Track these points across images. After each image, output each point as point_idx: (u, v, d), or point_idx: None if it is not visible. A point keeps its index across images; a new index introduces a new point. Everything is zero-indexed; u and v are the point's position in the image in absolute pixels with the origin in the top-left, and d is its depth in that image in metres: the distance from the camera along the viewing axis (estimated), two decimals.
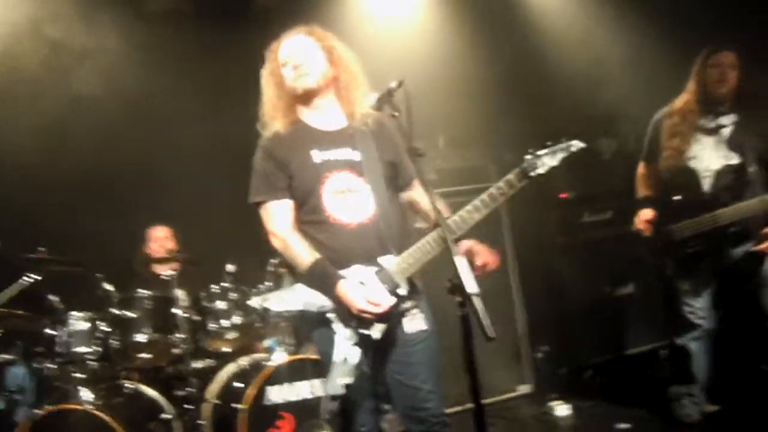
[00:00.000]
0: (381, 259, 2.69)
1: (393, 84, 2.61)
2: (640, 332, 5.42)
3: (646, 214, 4.07)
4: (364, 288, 2.62)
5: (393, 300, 2.64)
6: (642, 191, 4.20)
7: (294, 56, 2.77)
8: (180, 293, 4.48)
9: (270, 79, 2.83)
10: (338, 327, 2.67)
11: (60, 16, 4.97)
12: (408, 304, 2.74)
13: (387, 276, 2.67)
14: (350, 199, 2.72)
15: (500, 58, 5.59)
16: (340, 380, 2.61)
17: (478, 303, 2.23)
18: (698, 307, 3.97)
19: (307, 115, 2.85)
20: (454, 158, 5.31)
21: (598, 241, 5.46)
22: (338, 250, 2.69)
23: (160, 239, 5.14)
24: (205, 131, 5.22)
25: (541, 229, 5.51)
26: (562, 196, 5.53)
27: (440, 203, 2.65)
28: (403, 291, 2.68)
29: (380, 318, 2.62)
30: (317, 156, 2.75)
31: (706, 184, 3.85)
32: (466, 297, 2.26)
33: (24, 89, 4.96)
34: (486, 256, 2.71)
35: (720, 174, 3.82)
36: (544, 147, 2.67)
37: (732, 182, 3.77)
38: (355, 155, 2.77)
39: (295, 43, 2.80)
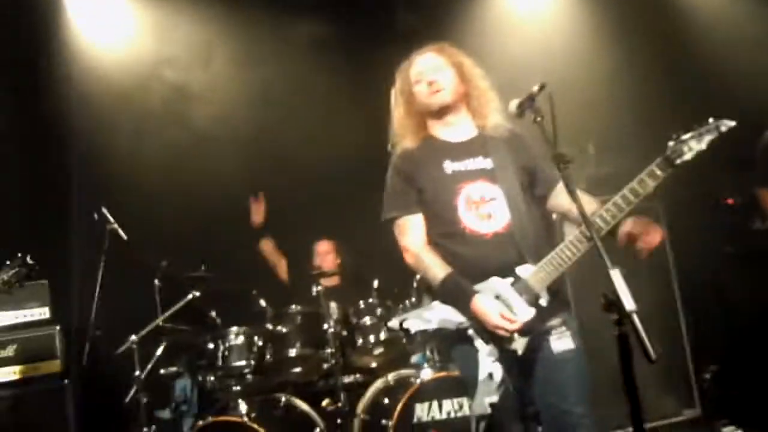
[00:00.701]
0: (519, 269, 2.59)
1: (535, 88, 2.49)
2: None
3: None
4: (499, 303, 2.54)
5: (530, 313, 2.52)
6: None
7: (427, 73, 2.79)
8: (333, 306, 4.56)
9: (400, 98, 2.87)
10: (480, 343, 2.58)
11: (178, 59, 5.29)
12: (555, 320, 2.60)
13: (525, 286, 2.56)
14: (485, 209, 2.67)
15: (650, 55, 5.28)
16: (485, 399, 2.51)
17: (637, 321, 2.04)
18: None
19: (439, 130, 2.85)
20: (606, 164, 5.05)
21: None
22: (475, 262, 2.63)
23: (322, 254, 5.25)
24: (350, 151, 5.32)
25: (706, 237, 5.10)
26: (729, 201, 5.09)
27: (588, 201, 2.54)
28: (544, 302, 2.56)
29: (522, 332, 2.52)
30: (449, 167, 2.73)
31: None
32: (624, 315, 2.08)
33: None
34: (647, 236, 2.52)
35: None
36: (689, 130, 2.45)
37: None
38: (488, 163, 2.73)
39: (427, 61, 2.83)
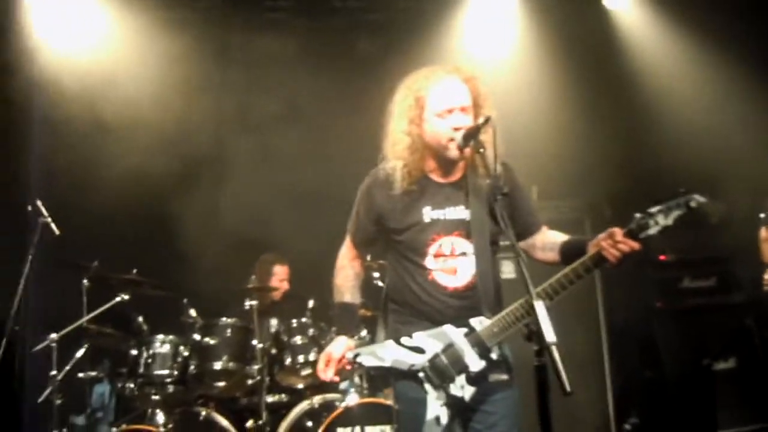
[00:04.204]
0: (473, 321, 2.61)
1: (480, 120, 2.53)
2: (739, 412, 4.98)
3: None
4: (336, 350, 2.77)
5: (481, 365, 2.55)
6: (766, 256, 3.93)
7: (455, 114, 2.59)
8: (273, 322, 4.57)
9: (405, 122, 2.65)
10: (429, 387, 2.61)
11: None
12: (503, 375, 2.62)
13: (477, 339, 2.59)
14: (452, 263, 2.65)
15: (599, 108, 5.44)
16: None
17: (556, 354, 2.08)
18: None
19: (434, 168, 2.71)
20: (547, 210, 5.15)
21: (699, 308, 5.11)
22: (433, 307, 2.65)
23: (278, 275, 5.21)
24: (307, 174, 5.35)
25: (637, 291, 5.23)
26: (662, 257, 5.24)
27: (554, 236, 2.68)
28: (494, 355, 2.59)
29: (471, 380, 2.57)
30: (428, 215, 2.67)
31: None
32: (545, 346, 2.11)
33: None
34: (616, 245, 2.42)
35: None
36: (657, 203, 2.37)
37: None
38: (466, 214, 2.67)
39: (455, 93, 2.62)
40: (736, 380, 5.02)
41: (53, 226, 4.41)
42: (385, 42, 5.54)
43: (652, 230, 2.38)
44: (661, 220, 2.37)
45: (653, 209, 2.38)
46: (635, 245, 2.41)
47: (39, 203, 4.45)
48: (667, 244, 5.22)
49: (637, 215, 2.41)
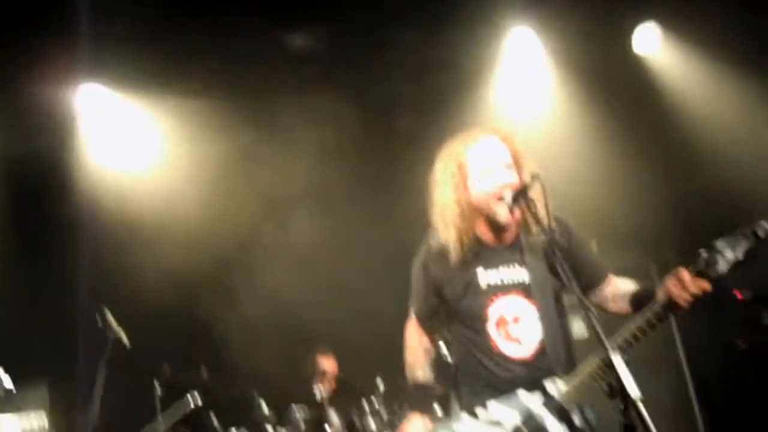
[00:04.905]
0: (547, 384, 2.51)
1: (528, 178, 2.50)
2: None
3: None
4: (414, 429, 2.69)
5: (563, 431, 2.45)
6: None
7: (497, 171, 2.56)
8: (332, 413, 4.47)
9: (450, 189, 2.62)
10: None
11: None
12: None
13: (556, 405, 2.48)
14: (516, 331, 2.56)
15: (643, 152, 5.35)
16: None
17: (643, 409, 1.97)
18: None
19: (485, 231, 2.66)
20: (610, 260, 4.94)
21: None
22: (501, 378, 2.55)
23: (327, 367, 5.09)
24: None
25: (717, 332, 4.99)
26: (739, 295, 5.01)
27: (624, 283, 2.59)
28: (577, 420, 2.47)
29: None
30: (483, 278, 2.61)
31: None
32: (630, 402, 2.01)
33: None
34: (684, 290, 2.28)
35: None
36: (722, 235, 2.24)
37: None
38: (523, 274, 2.59)
39: (496, 154, 2.60)
40: None
41: (124, 337, 4.37)
42: (420, 115, 5.60)
43: (722, 267, 2.25)
44: (729, 254, 2.24)
45: (719, 244, 2.25)
46: (706, 286, 2.28)
47: (107, 312, 4.47)
48: (740, 280, 5.01)
49: (703, 253, 2.27)
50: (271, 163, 5.37)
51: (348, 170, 5.62)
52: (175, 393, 4.52)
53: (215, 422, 4.43)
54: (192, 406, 4.44)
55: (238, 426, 4.38)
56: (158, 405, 4.45)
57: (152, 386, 4.47)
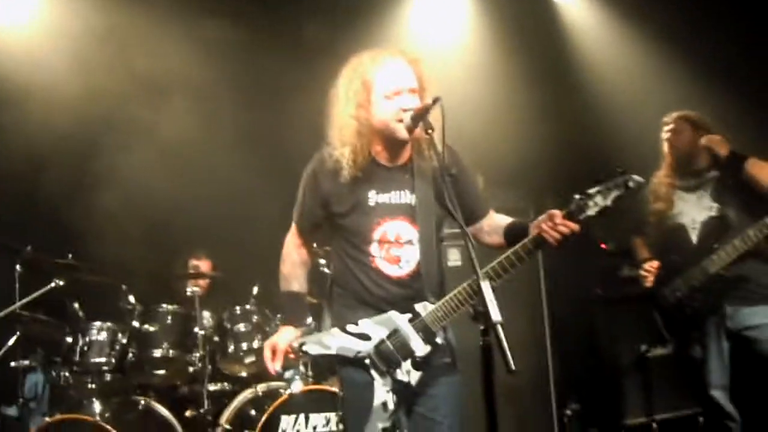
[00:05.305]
0: (417, 306, 2.62)
1: (429, 100, 2.51)
2: (676, 396, 5.13)
3: (652, 263, 3.89)
4: (282, 340, 2.74)
5: (426, 350, 2.57)
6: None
7: (403, 96, 2.58)
8: (205, 314, 4.43)
9: (352, 106, 2.61)
10: (375, 373, 2.61)
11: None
12: (447, 359, 2.65)
13: (423, 325, 2.60)
14: (396, 251, 2.65)
15: (544, 99, 5.50)
16: (378, 424, 2.57)
17: (501, 333, 2.09)
18: (711, 370, 3.70)
19: (381, 151, 2.69)
20: (491, 199, 5.12)
21: (638, 297, 5.23)
22: (376, 295, 2.66)
23: (204, 269, 5.05)
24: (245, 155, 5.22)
25: (579, 279, 5.32)
26: (603, 245, 5.34)
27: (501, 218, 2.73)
28: (440, 339, 2.61)
29: (417, 365, 2.58)
30: (374, 198, 2.66)
31: (695, 237, 3.71)
32: (491, 325, 2.12)
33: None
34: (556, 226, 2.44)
35: (705, 225, 3.68)
36: (596, 183, 2.42)
37: (716, 231, 3.62)
38: (412, 199, 2.66)
39: (402, 75, 2.61)
40: (673, 365, 5.17)
41: None
42: (332, 27, 5.46)
43: (591, 211, 2.42)
44: (599, 200, 2.41)
45: (592, 190, 2.42)
46: (575, 227, 2.45)
47: None
48: (610, 234, 5.32)
49: (577, 196, 2.44)
50: (153, 49, 5.02)
51: (244, 68, 5.38)
52: (39, 278, 4.31)
53: (80, 313, 4.28)
54: (52, 286, 4.25)
55: (103, 319, 4.25)
56: (17, 285, 4.25)
57: (12, 266, 4.26)
